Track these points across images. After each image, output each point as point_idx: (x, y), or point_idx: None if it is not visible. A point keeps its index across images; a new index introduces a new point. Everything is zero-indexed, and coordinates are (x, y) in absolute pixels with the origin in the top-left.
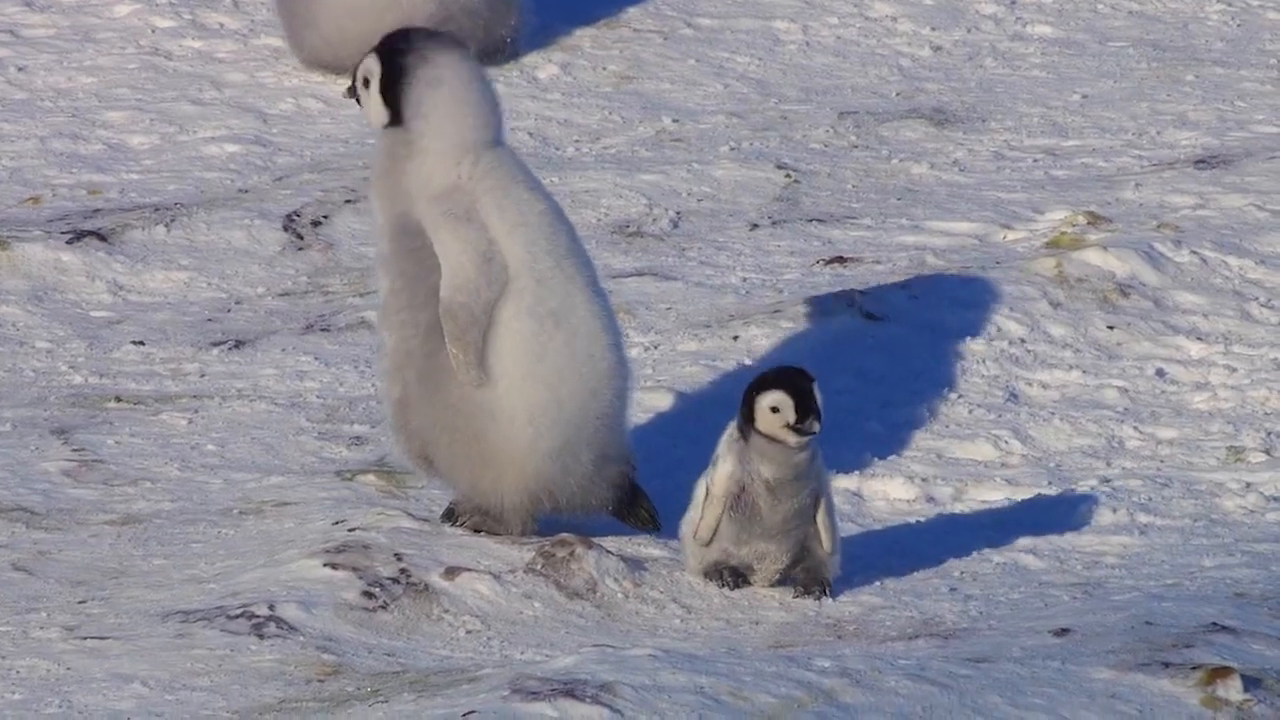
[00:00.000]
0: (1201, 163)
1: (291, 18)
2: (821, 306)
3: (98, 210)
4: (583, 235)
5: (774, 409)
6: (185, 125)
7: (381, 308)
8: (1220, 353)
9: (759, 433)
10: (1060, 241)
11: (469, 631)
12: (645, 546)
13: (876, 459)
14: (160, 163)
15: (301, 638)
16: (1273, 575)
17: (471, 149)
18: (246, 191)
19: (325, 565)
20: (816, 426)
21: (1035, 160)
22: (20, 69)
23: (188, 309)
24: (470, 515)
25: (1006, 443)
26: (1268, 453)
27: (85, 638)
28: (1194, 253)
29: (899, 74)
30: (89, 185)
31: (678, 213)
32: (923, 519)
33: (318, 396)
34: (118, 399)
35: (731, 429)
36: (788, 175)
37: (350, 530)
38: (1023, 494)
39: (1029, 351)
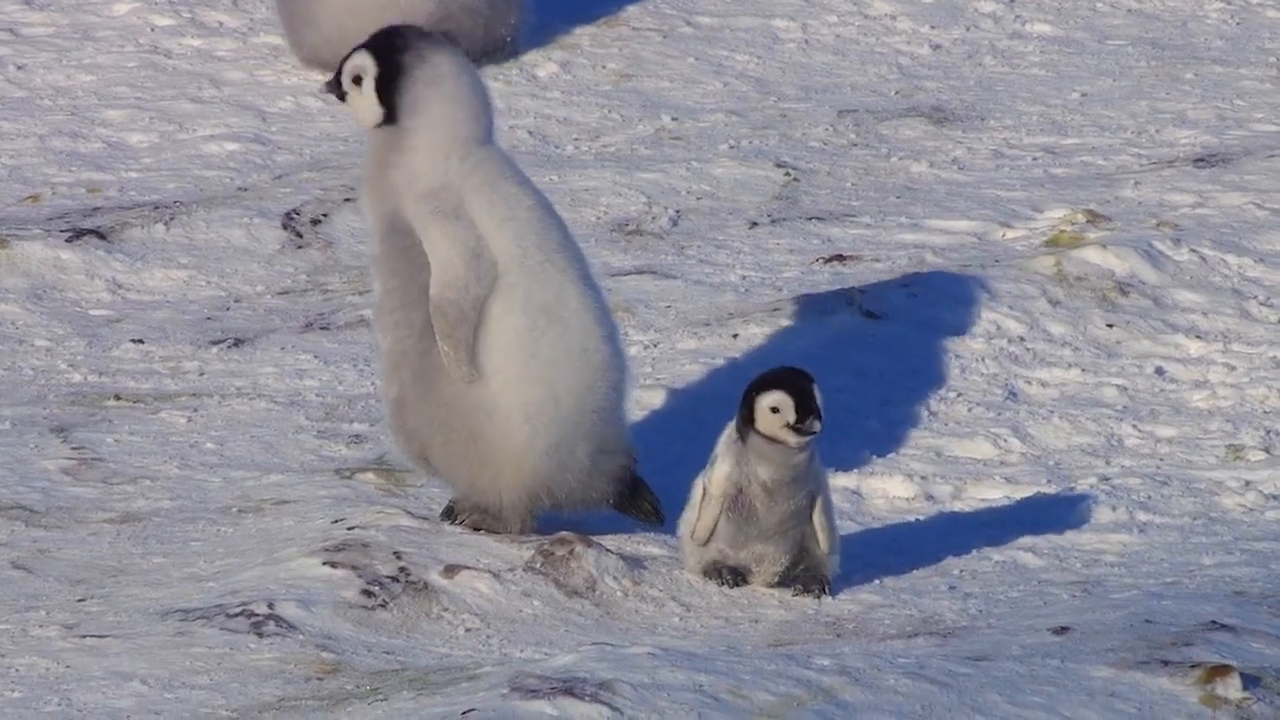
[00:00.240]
0: (1201, 161)
1: (291, 16)
2: (821, 305)
3: (97, 208)
4: (582, 233)
5: (774, 409)
6: (184, 123)
7: (376, 308)
8: (1219, 351)
9: (758, 433)
10: (1059, 240)
11: (468, 630)
12: (645, 545)
13: (876, 457)
14: (159, 161)
15: (301, 636)
16: (1272, 573)
17: (463, 146)
18: (246, 190)
19: (324, 563)
20: (817, 426)
21: (1034, 158)
22: (19, 67)
23: (187, 307)
24: (469, 514)
25: (1006, 441)
26: (1267, 451)
27: (84, 636)
28: (1193, 251)
29: (898, 72)
30: (88, 183)
31: (677, 211)
32: (922, 517)
33: (317, 395)
34: (117, 397)
35: (730, 429)
36: (787, 173)
37: (349, 528)
38: (1022, 492)
39: (1028, 350)
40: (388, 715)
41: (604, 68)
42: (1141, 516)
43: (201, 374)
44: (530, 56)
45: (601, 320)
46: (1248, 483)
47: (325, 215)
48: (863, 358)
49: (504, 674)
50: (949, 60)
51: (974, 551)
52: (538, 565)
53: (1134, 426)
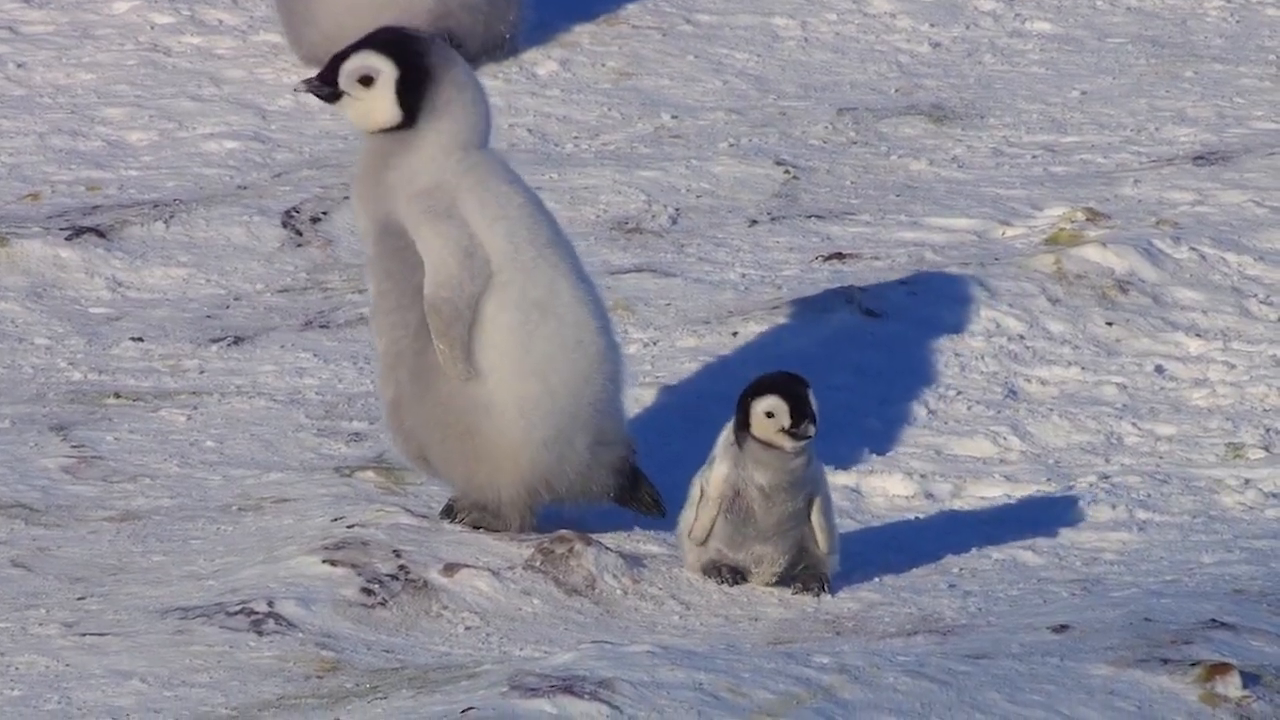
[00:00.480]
0: (1200, 159)
1: (290, 15)
2: (820, 303)
3: (97, 206)
4: (582, 232)
5: (769, 414)
6: (184, 121)
7: (372, 309)
8: (1219, 349)
9: (754, 438)
10: (1059, 238)
11: (468, 628)
12: (644, 543)
13: (875, 455)
14: (159, 159)
15: (300, 634)
16: (1272, 572)
17: (465, 149)
18: (245, 188)
19: (324, 562)
20: (812, 430)
21: (1034, 156)
22: (19, 65)
23: (187, 305)
24: (468, 512)
25: (1005, 439)
26: (1266, 449)
27: (84, 634)
28: (1193, 249)
29: (898, 70)
30: (88, 181)
31: (677, 209)
32: (921, 515)
33: (317, 393)
34: (117, 395)
35: (728, 430)
36: (787, 171)
37: (349, 527)
38: (1021, 490)
39: (1028, 348)
40: (387, 713)
41: (604, 66)
42: (1141, 515)
43: (201, 372)
44: (530, 54)
45: (595, 313)
46: (1247, 481)
47: (325, 213)
48: (862, 356)
49: (503, 672)
50: (949, 58)
51: (973, 550)
52: (537, 563)
53: (1134, 425)
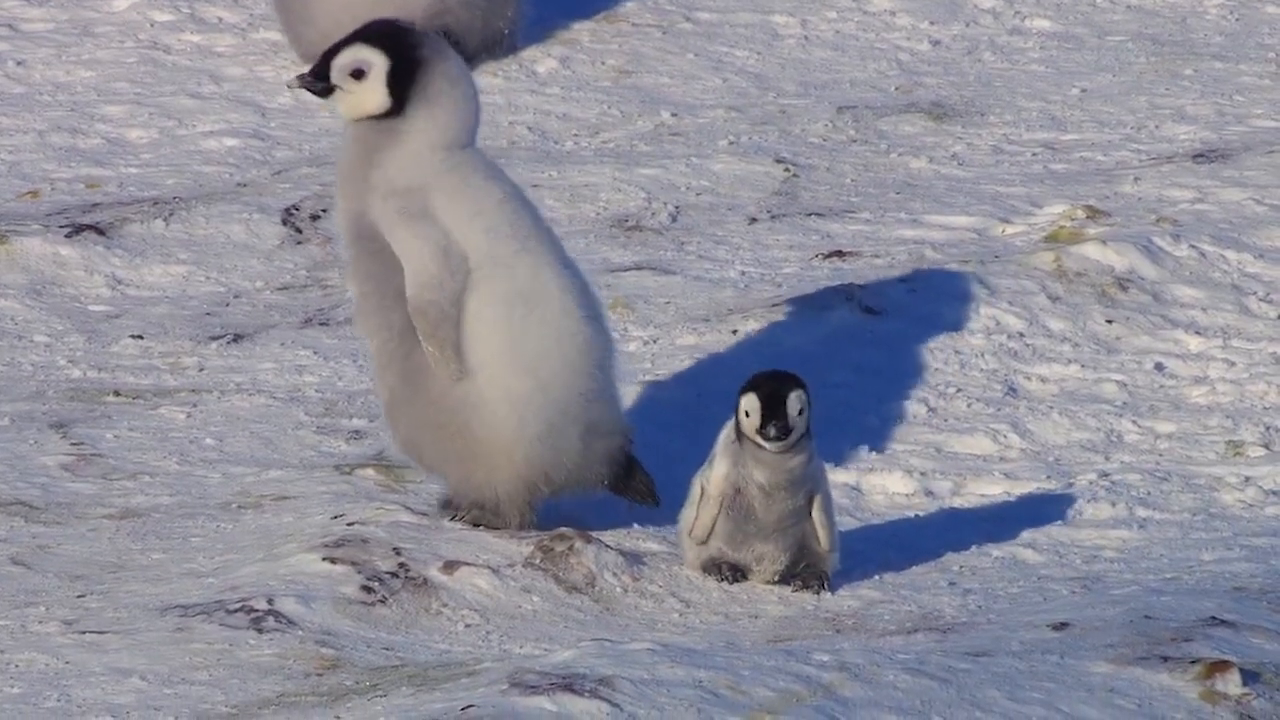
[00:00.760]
0: (1200, 157)
1: (289, 13)
2: (820, 301)
3: (96, 204)
4: (581, 229)
5: (747, 413)
6: (184, 119)
7: (356, 312)
8: (1219, 347)
9: (745, 436)
10: (1059, 235)
11: (468, 625)
12: (644, 541)
13: (875, 453)
14: (159, 156)
15: (300, 632)
16: (1272, 569)
17: (450, 146)
18: (245, 185)
19: (324, 559)
20: (773, 433)
21: (1034, 154)
22: (19, 63)
23: (186, 303)
24: (468, 510)
25: (1005, 437)
26: (1266, 447)
27: (84, 632)
28: (1193, 247)
29: (897, 68)
30: (87, 179)
31: (676, 207)
32: (921, 513)
33: (316, 391)
34: (116, 393)
35: (729, 429)
36: (786, 169)
37: (349, 524)
38: (1021, 488)
39: (1027, 345)
40: (387, 711)
41: (603, 63)
42: (1141, 512)
43: (201, 370)
44: (529, 52)
45: (581, 303)
46: (1247, 478)
47: (324, 211)
48: (862, 354)
49: (503, 670)
50: (948, 56)
51: (973, 547)
52: (537, 561)
53: (1133, 422)
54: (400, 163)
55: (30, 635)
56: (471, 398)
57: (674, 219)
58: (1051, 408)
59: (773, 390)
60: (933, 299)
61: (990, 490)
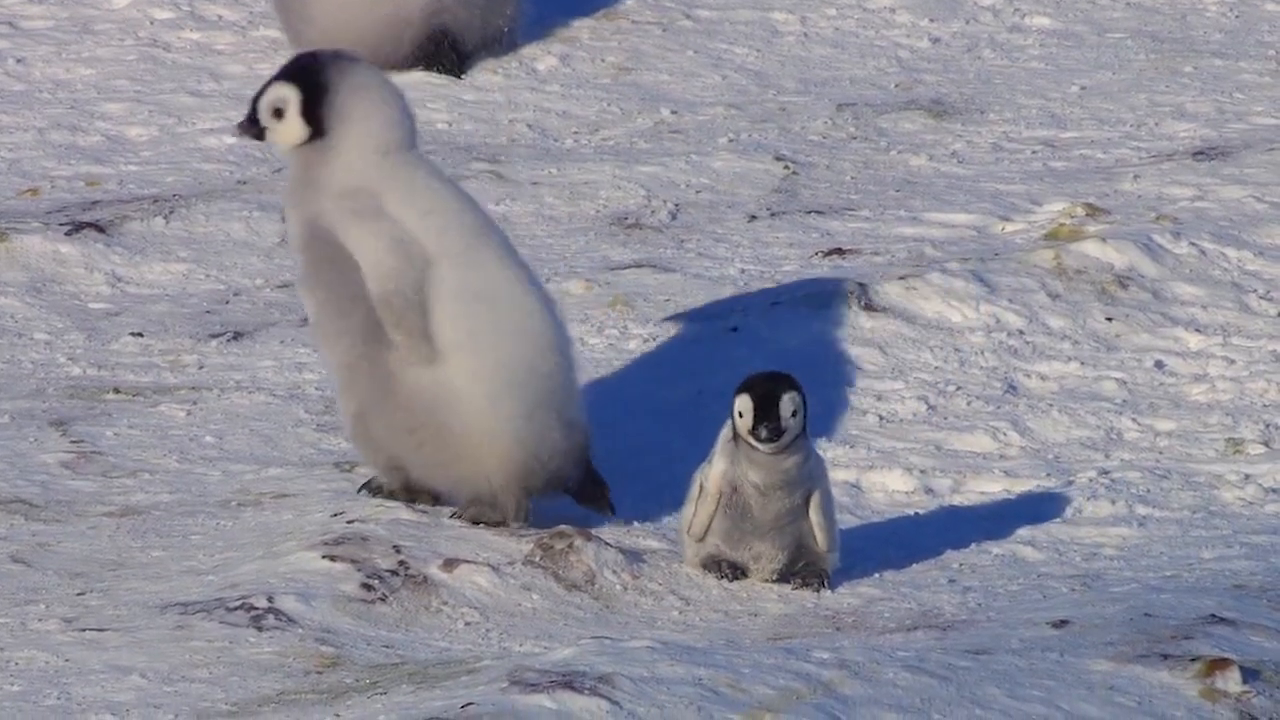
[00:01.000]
0: (1200, 154)
1: (288, 11)
2: (819, 298)
3: (96, 202)
4: (581, 227)
5: (740, 413)
6: (184, 117)
7: (313, 328)
8: (1219, 344)
9: (740, 435)
10: (1059, 233)
11: (468, 623)
12: (644, 539)
13: (874, 451)
14: (159, 154)
15: (300, 630)
16: (1271, 567)
17: (384, 150)
18: (245, 183)
19: (324, 557)
20: (765, 434)
21: (1034, 152)
22: (19, 60)
23: (186, 300)
24: (466, 508)
25: (1005, 434)
26: (1266, 444)
27: (84, 629)
28: (1192, 244)
29: (897, 65)
30: (87, 177)
31: (676, 204)
32: (921, 511)
33: (316, 388)
34: (116, 391)
35: (728, 427)
36: (786, 167)
37: (349, 522)
38: (1021, 486)
39: (1027, 343)
40: (387, 709)
41: (603, 61)
42: (1141, 510)
43: (201, 367)
44: (529, 50)
45: (537, 298)
46: (1247, 476)
47: None
48: (861, 351)
49: (503, 668)
50: (948, 53)
51: (973, 545)
52: (537, 559)
53: (1133, 420)
54: (344, 168)
55: (30, 633)
56: (443, 394)
57: (674, 216)
58: (1051, 405)
59: (766, 391)
60: (932, 297)
61: (990, 488)
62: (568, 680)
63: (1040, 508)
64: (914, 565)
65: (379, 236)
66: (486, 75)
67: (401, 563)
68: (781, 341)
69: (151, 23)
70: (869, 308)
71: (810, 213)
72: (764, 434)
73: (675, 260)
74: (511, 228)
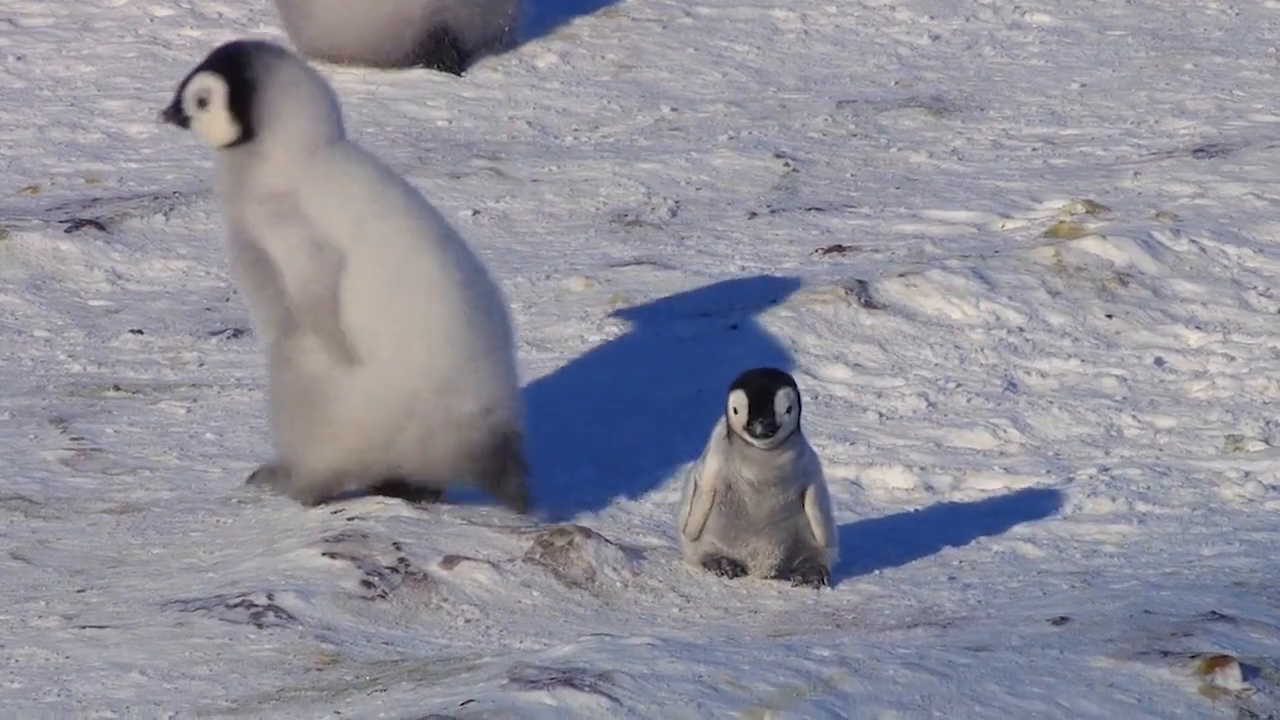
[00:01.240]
0: (1200, 152)
1: (288, 8)
2: (819, 296)
3: (96, 199)
4: (582, 224)
5: (735, 410)
6: None
7: (251, 318)
8: (1219, 341)
9: (735, 431)
10: (1059, 230)
11: (468, 620)
12: (644, 536)
13: (874, 448)
14: (159, 151)
15: (300, 627)
16: (1272, 564)
17: (312, 149)
18: None
19: (324, 554)
20: (759, 430)
21: (1034, 149)
22: (19, 58)
23: (186, 298)
24: (282, 478)
25: (1005, 431)
26: (1266, 441)
27: (84, 627)
28: (1192, 241)
29: (897, 63)
30: (87, 174)
31: (676, 201)
32: (921, 508)
33: None
34: (116, 388)
35: (721, 424)
36: (786, 164)
37: (349, 519)
38: (1021, 483)
39: (1027, 340)
40: (387, 706)
41: (603, 58)
42: (1141, 507)
43: (201, 364)
44: (529, 47)
45: (452, 293)
46: (1247, 473)
47: None
48: (861, 348)
49: (503, 665)
50: (948, 51)
51: (973, 542)
52: (537, 556)
53: (1133, 417)
54: (270, 172)
55: (30, 630)
56: (337, 380)
57: (674, 214)
58: (1051, 402)
59: (761, 388)
60: (932, 294)
61: (990, 485)
62: (568, 677)
63: (1040, 505)
64: (914, 562)
65: (297, 240)
66: (487, 73)
67: (402, 560)
68: (781, 339)
69: (151, 20)
70: (869, 305)
71: (810, 210)
72: (758, 430)
73: (675, 257)
74: (512, 225)
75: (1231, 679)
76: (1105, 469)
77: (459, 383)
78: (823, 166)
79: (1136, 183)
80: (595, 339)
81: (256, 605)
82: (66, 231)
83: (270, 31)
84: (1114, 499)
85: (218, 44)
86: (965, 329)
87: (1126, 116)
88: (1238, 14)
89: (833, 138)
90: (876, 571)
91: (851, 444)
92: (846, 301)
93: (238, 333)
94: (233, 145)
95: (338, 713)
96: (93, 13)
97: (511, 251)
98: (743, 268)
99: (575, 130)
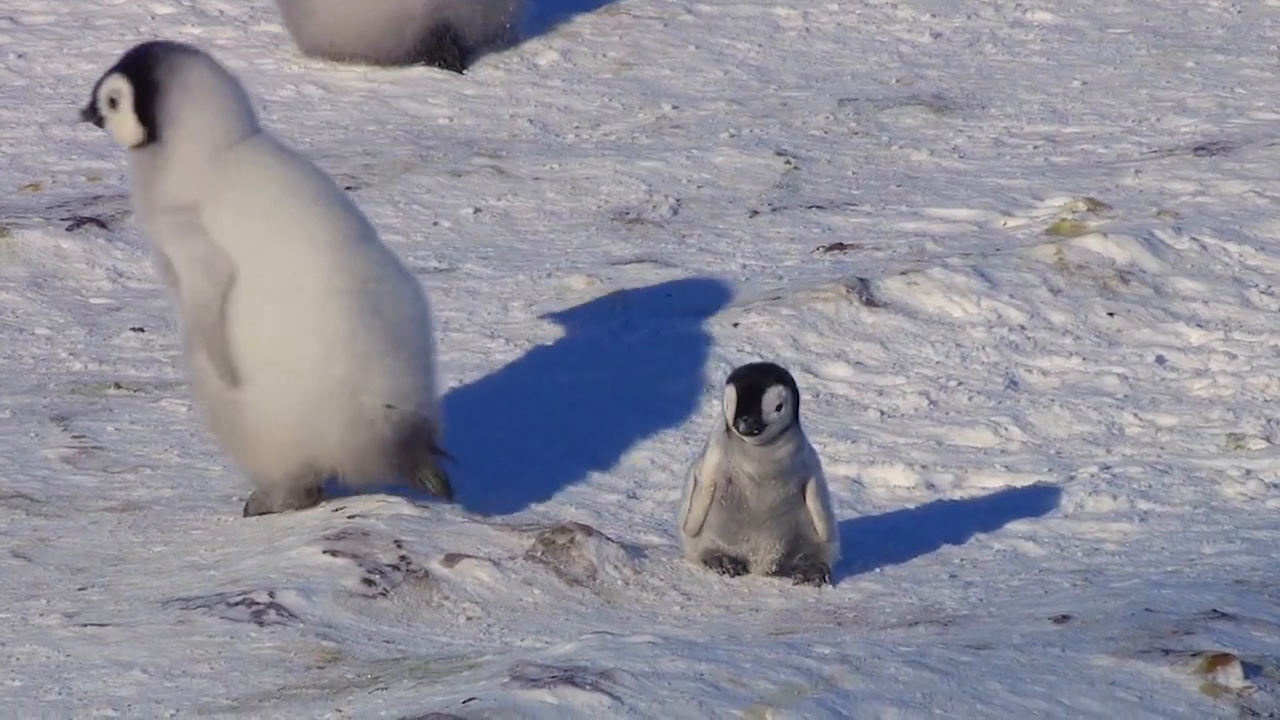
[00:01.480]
0: (1201, 149)
1: (289, 6)
2: (821, 294)
3: (97, 197)
4: (583, 222)
5: (726, 404)
6: None
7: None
8: (1220, 339)
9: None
10: (1060, 228)
11: (469, 618)
12: (645, 533)
13: (876, 446)
14: None
15: (301, 625)
16: (1273, 562)
17: (219, 151)
18: None
19: (325, 552)
20: (743, 427)
21: (1035, 147)
22: (20, 56)
23: None
24: (250, 497)
25: (1006, 429)
26: (1268, 439)
27: (85, 625)
28: (1194, 239)
29: (899, 60)
30: (88, 172)
31: (678, 199)
32: (922, 506)
33: None
34: (117, 386)
35: (721, 420)
36: (788, 162)
37: (350, 517)
38: (1023, 481)
39: (1029, 338)
40: (388, 704)
41: (605, 56)
42: (1142, 505)
43: None
44: (531, 45)
45: (345, 296)
46: (1248, 471)
47: None
48: (863, 346)
49: (505, 663)
50: (950, 48)
51: (974, 540)
52: (538, 554)
53: (1135, 415)
54: (172, 181)
55: (31, 628)
56: (233, 396)
57: (675, 212)
58: (1053, 400)
59: (750, 384)
60: (934, 292)
61: (991, 483)
62: (569, 675)
63: (1041, 503)
64: (915, 560)
65: (192, 255)
66: (488, 70)
67: (403, 557)
68: (782, 337)
69: (153, 18)
70: (870, 303)
71: (812, 208)
72: (743, 427)
73: (676, 255)
74: (513, 223)
75: (1233, 677)
76: (1106, 467)
77: (361, 383)
78: (824, 164)
79: (1138, 180)
80: (596, 337)
81: (258, 603)
82: (68, 229)
83: (271, 29)
84: (1115, 497)
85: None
86: (966, 327)
87: (1128, 114)
88: (1239, 12)
89: (834, 136)
90: (878, 569)
91: (853, 442)
92: (848, 299)
93: None
94: (141, 146)
95: (339, 711)
96: (93, 10)
97: (513, 249)
98: (744, 266)
99: (576, 128)
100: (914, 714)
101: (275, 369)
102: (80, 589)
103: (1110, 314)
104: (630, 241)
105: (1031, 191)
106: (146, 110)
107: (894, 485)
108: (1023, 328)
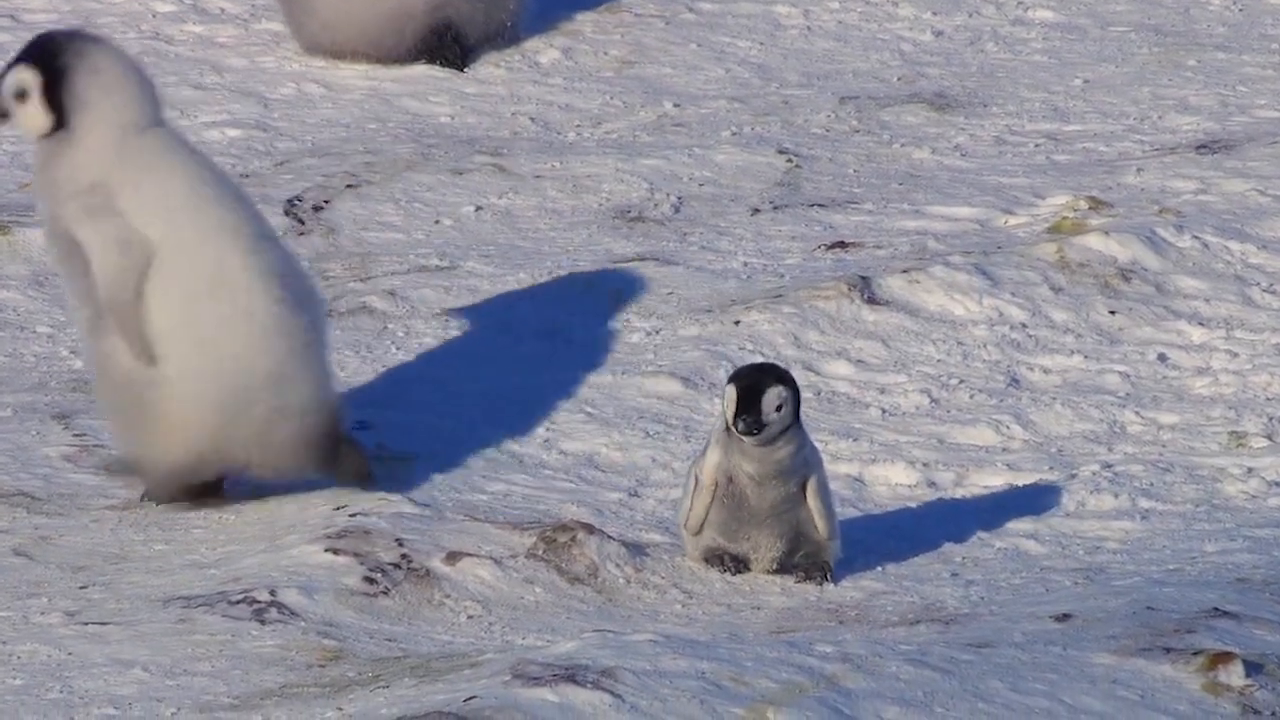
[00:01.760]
0: (1203, 147)
1: (290, 3)
2: (822, 292)
3: None
4: (584, 220)
5: (727, 404)
6: (186, 110)
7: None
8: (1222, 338)
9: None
10: (1062, 226)
11: (470, 617)
12: (647, 532)
13: (877, 444)
14: None
15: (303, 623)
16: (1274, 560)
17: (125, 136)
18: (248, 176)
19: (326, 550)
20: (742, 426)
21: (1037, 145)
22: None
23: None
24: (138, 479)
25: (1008, 428)
26: (1269, 438)
27: (86, 623)
28: (1195, 237)
29: (900, 59)
30: None
31: (679, 198)
32: (923, 504)
33: None
34: None
35: (721, 419)
36: (789, 160)
37: (351, 515)
38: (1024, 479)
39: (1030, 336)
40: (389, 702)
41: (606, 54)
42: (1144, 503)
43: None
44: (532, 43)
45: (270, 284)
46: (1250, 469)
47: (327, 202)
48: (864, 345)
49: (506, 661)
50: (951, 46)
51: (976, 538)
52: (540, 552)
53: (1136, 413)
54: (83, 163)
55: (32, 626)
56: (154, 378)
57: (677, 210)
58: (1054, 399)
59: (750, 384)
60: (935, 290)
61: (993, 481)
62: (570, 674)
63: (1043, 501)
64: (916, 558)
65: (105, 237)
66: (489, 68)
67: (404, 556)
68: (784, 335)
69: (154, 16)
70: (872, 301)
71: (813, 206)
72: (742, 426)
73: (678, 254)
74: (514, 221)
75: (1234, 675)
76: (1108, 465)
77: (290, 374)
78: (825, 163)
79: (1139, 179)
80: (597, 335)
81: (259, 601)
82: None
83: (272, 27)
84: (1117, 495)
85: (219, 39)
86: (968, 325)
87: (1129, 112)
88: (1241, 10)
89: (835, 134)
90: (879, 568)
91: (854, 440)
92: (849, 298)
93: None
94: (48, 135)
95: (340, 709)
96: (95, 8)
97: (514, 248)
98: (745, 264)
99: (578, 126)
100: (915, 712)
101: (203, 353)
102: (81, 587)
103: (1112, 312)
104: (632, 239)
105: (1033, 190)
106: (54, 97)
107: (895, 483)
108: (1024, 326)
